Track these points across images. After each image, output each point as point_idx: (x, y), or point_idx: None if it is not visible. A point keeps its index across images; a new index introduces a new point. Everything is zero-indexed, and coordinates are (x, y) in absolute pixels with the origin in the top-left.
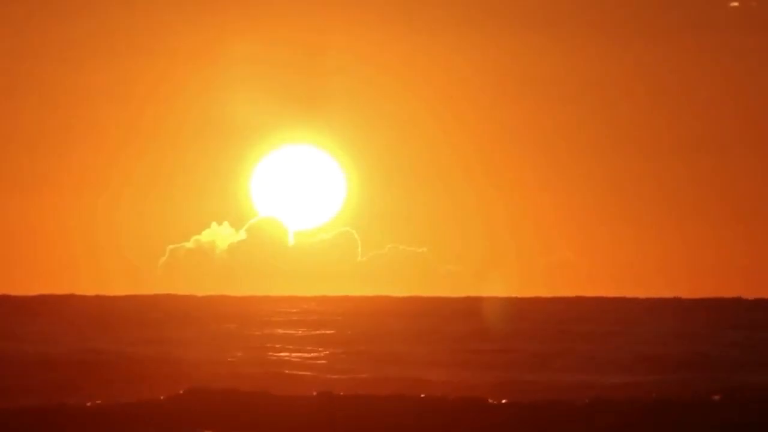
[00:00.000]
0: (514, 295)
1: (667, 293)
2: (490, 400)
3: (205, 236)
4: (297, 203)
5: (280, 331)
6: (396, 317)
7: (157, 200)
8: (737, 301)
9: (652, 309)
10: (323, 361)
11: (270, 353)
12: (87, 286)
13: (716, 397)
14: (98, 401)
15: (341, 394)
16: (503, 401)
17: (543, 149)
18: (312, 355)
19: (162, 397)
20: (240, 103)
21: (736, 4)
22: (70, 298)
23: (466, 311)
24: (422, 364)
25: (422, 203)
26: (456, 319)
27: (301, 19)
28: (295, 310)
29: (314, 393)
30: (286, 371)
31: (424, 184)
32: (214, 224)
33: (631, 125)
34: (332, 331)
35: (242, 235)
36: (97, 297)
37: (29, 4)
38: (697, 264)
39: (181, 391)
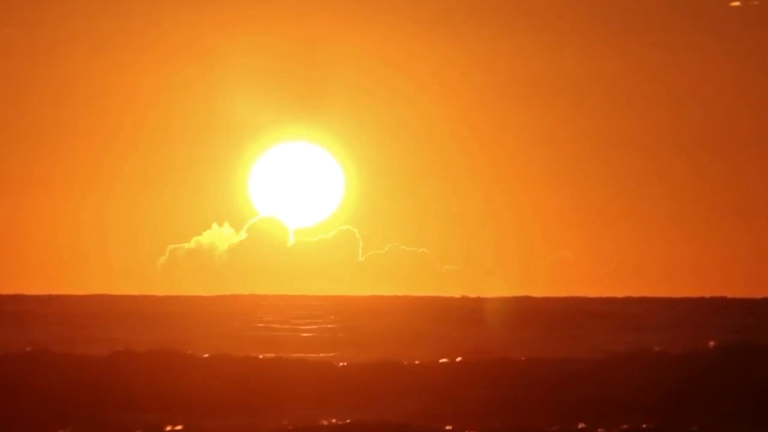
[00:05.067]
0: (516, 294)
1: (670, 293)
2: None
3: (206, 237)
4: (296, 201)
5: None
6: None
7: (158, 201)
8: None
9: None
10: None
11: None
12: (88, 286)
13: None
14: None
15: None
16: None
17: (545, 149)
18: None
19: None
20: (236, 100)
21: (737, 3)
22: (72, 297)
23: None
24: None
25: (422, 202)
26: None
27: (299, 12)
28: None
29: None
30: None
31: (423, 183)
32: (214, 225)
33: (632, 125)
34: None
35: (243, 235)
36: (99, 296)
37: (10, 4)
38: (701, 263)
39: None
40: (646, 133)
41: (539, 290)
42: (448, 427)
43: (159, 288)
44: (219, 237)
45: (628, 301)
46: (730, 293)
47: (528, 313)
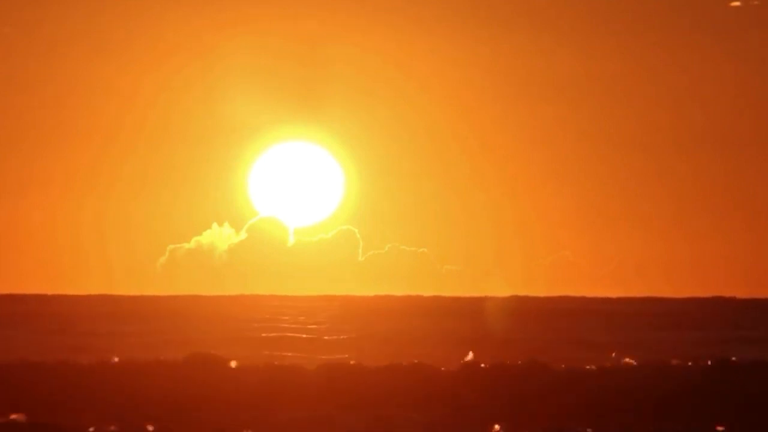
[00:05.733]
0: (516, 294)
1: (670, 293)
2: None
3: (206, 237)
4: (296, 201)
5: None
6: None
7: (158, 201)
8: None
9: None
10: None
11: None
12: (88, 286)
13: None
14: None
15: None
16: None
17: (545, 148)
18: None
19: None
20: (236, 100)
21: (737, 3)
22: (72, 297)
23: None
24: None
25: (422, 202)
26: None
27: (298, 12)
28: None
29: None
30: None
31: (423, 183)
32: (214, 225)
33: (632, 125)
34: None
35: (243, 235)
36: (99, 296)
37: (10, 4)
38: (701, 263)
39: None
40: (646, 133)
41: (539, 290)
42: None
43: (159, 288)
44: (219, 237)
45: (628, 301)
46: (731, 293)
47: (529, 313)
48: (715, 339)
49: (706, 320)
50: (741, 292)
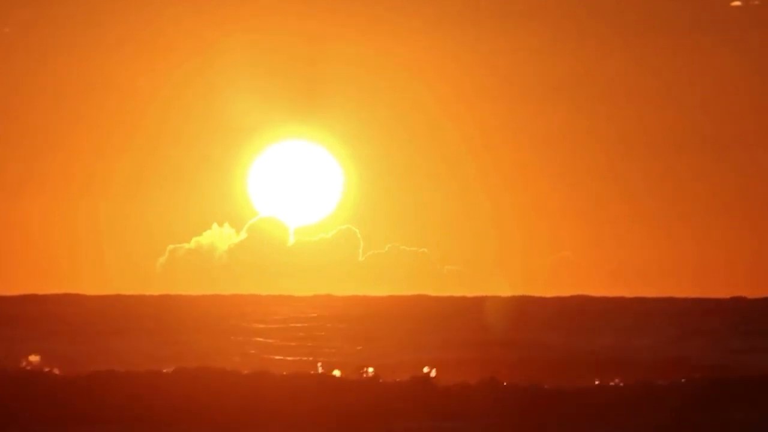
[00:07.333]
0: (516, 294)
1: (672, 293)
2: None
3: (206, 237)
4: (296, 200)
5: None
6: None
7: (158, 201)
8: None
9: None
10: None
11: None
12: (88, 286)
13: None
14: None
15: None
16: None
17: (546, 148)
18: None
19: None
20: (235, 98)
21: (738, 3)
22: (72, 297)
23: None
24: None
25: (422, 202)
26: None
27: (298, 9)
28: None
29: None
30: None
31: (424, 183)
32: (214, 225)
33: (633, 124)
34: None
35: (243, 235)
36: (99, 297)
37: (10, 4)
38: (703, 263)
39: None
40: (647, 133)
41: (540, 290)
42: None
43: (159, 288)
44: (219, 237)
45: (628, 301)
46: (734, 293)
47: (530, 313)
48: (718, 339)
49: (707, 321)
50: (745, 293)
